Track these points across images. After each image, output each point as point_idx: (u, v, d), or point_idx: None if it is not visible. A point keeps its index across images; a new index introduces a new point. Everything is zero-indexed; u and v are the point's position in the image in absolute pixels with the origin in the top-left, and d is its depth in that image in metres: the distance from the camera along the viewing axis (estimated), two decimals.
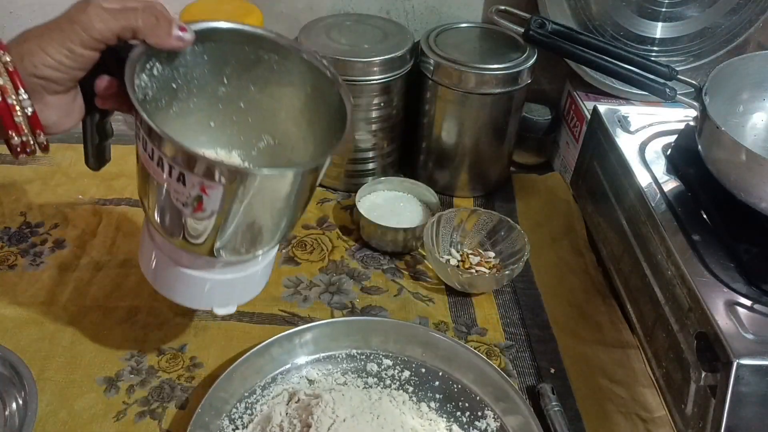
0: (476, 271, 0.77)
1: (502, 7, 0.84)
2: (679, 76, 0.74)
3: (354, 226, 0.85)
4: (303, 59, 0.56)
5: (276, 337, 0.65)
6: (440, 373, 0.67)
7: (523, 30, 0.80)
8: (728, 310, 0.55)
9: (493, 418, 0.63)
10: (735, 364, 0.50)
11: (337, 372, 0.67)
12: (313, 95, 0.57)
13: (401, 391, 0.65)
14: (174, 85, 0.55)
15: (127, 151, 0.97)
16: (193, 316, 0.71)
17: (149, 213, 0.54)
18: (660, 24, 0.88)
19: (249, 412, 0.62)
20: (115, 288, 0.74)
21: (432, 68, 0.83)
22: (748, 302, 0.56)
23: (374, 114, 0.85)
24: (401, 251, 0.82)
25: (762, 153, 0.58)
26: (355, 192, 0.84)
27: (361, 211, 0.81)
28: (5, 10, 0.90)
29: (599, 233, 0.78)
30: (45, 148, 0.51)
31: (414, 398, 0.65)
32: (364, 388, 0.65)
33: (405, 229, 0.79)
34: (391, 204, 0.86)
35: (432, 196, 0.85)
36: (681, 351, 0.58)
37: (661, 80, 0.74)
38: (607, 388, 0.67)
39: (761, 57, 0.71)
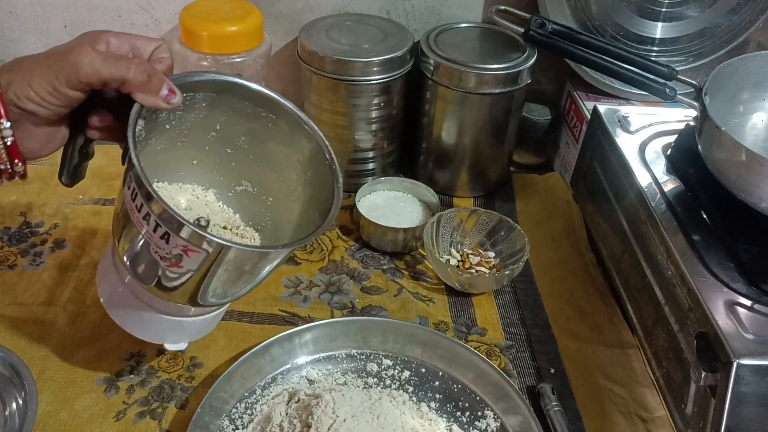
0: (476, 271, 0.77)
1: (502, 7, 0.84)
2: (679, 76, 0.74)
3: (354, 226, 0.85)
4: (304, 129, 0.57)
5: (276, 337, 0.66)
6: (440, 373, 0.67)
7: (523, 30, 0.80)
8: (728, 310, 0.55)
9: (493, 417, 0.63)
10: (735, 364, 0.50)
11: (337, 372, 0.67)
12: (306, 164, 0.59)
13: (401, 391, 0.65)
14: (167, 126, 0.56)
15: None
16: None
17: (120, 252, 0.54)
18: (660, 24, 0.88)
19: (249, 412, 0.62)
20: None
21: (432, 68, 0.83)
22: (748, 302, 0.56)
23: (374, 114, 0.85)
24: (401, 251, 0.82)
25: (762, 153, 0.58)
26: (355, 192, 0.84)
27: (361, 211, 0.81)
28: (5, 10, 0.90)
29: (599, 233, 0.78)
30: (23, 176, 0.51)
31: (414, 398, 0.65)
32: (364, 388, 0.65)
33: (405, 229, 0.79)
34: (391, 204, 0.86)
35: (432, 196, 0.85)
36: (681, 351, 0.58)
37: (661, 80, 0.74)
38: (607, 388, 0.67)
39: (761, 57, 0.71)
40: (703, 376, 0.53)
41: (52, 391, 0.63)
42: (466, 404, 0.65)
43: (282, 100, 0.57)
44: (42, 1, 0.90)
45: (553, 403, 0.63)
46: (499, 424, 0.63)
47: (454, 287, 0.76)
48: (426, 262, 0.81)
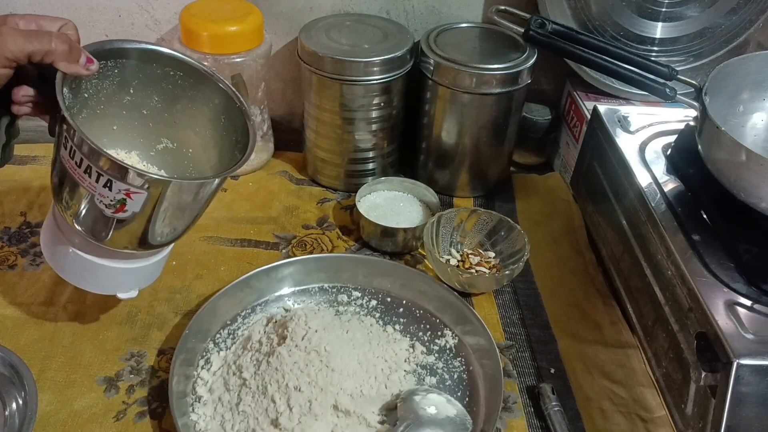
0: (476, 271, 0.77)
1: (502, 7, 0.84)
2: (679, 76, 0.74)
3: (354, 226, 0.85)
4: (211, 81, 0.63)
5: (255, 271, 0.72)
6: (404, 302, 0.75)
7: (523, 30, 0.80)
8: (728, 310, 0.55)
9: (452, 336, 0.71)
10: (735, 364, 0.50)
11: (311, 302, 0.74)
12: (218, 111, 0.64)
13: (369, 317, 0.72)
14: (86, 95, 0.60)
15: None
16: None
17: (64, 210, 0.58)
18: (660, 24, 0.87)
19: (231, 336, 0.69)
20: None
21: (432, 68, 0.83)
22: (748, 302, 0.56)
23: (374, 114, 0.85)
24: (401, 251, 0.82)
25: (762, 153, 0.58)
26: (355, 192, 0.84)
27: (361, 211, 0.81)
28: (5, 10, 0.90)
29: (599, 233, 0.78)
30: None
31: (380, 322, 0.72)
32: (336, 315, 0.72)
33: (405, 229, 0.79)
34: (391, 204, 0.86)
35: (432, 196, 0.85)
36: (681, 351, 0.58)
37: (661, 80, 0.74)
38: (607, 388, 0.67)
39: (761, 57, 0.71)
40: (703, 376, 0.53)
41: (52, 391, 0.63)
42: (428, 326, 0.72)
43: (186, 59, 0.62)
44: (42, 1, 0.90)
45: (553, 403, 0.63)
46: (456, 341, 0.70)
47: (454, 287, 0.76)
48: (426, 262, 0.81)
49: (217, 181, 0.58)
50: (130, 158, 0.66)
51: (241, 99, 0.62)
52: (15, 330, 0.68)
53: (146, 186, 0.53)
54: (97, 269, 0.62)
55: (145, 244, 0.60)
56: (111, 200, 0.54)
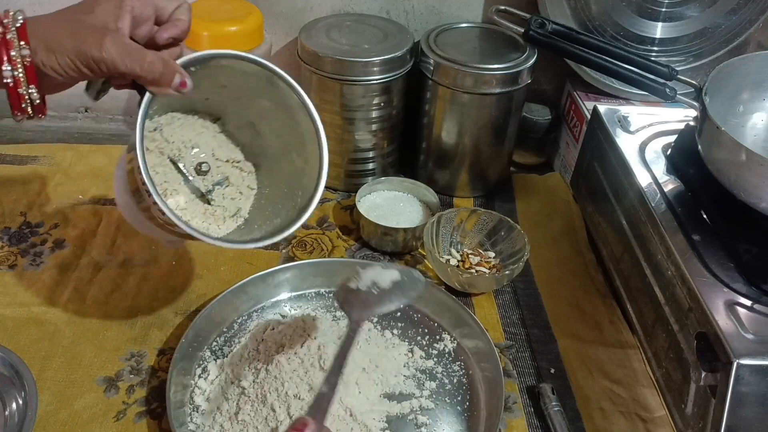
0: (476, 271, 0.77)
1: (502, 7, 0.84)
2: (679, 76, 0.74)
3: (354, 226, 0.85)
4: (284, 88, 0.60)
5: (250, 277, 0.71)
6: (402, 306, 0.70)
7: (523, 30, 0.80)
8: (728, 310, 0.55)
9: (450, 340, 0.70)
10: (735, 364, 0.50)
11: (308, 308, 0.73)
12: (293, 122, 0.62)
13: (366, 322, 0.70)
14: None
15: None
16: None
17: (130, 184, 0.57)
18: (660, 24, 0.88)
19: (228, 344, 0.68)
20: (115, 288, 0.74)
21: (432, 68, 0.83)
22: (748, 302, 0.56)
23: (374, 114, 0.85)
24: (401, 251, 0.82)
25: (762, 153, 0.58)
26: (355, 192, 0.84)
27: (361, 211, 0.81)
28: (5, 8, 0.90)
29: (599, 233, 0.78)
30: (40, 110, 0.53)
31: (378, 327, 0.71)
32: (333, 320, 0.71)
33: (405, 229, 0.79)
34: (391, 204, 0.86)
35: (432, 196, 0.85)
36: (681, 351, 0.58)
37: (661, 80, 0.74)
38: (607, 388, 0.67)
39: (761, 57, 0.71)
40: (703, 376, 0.53)
41: (52, 391, 0.63)
42: (426, 330, 0.72)
43: (270, 66, 0.59)
44: (42, 1, 0.90)
45: (553, 403, 0.63)
46: (455, 345, 0.70)
47: (454, 287, 0.76)
48: (426, 262, 0.81)
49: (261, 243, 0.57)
50: (216, 127, 0.65)
51: (317, 121, 0.62)
52: (15, 330, 0.68)
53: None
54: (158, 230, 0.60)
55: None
56: (165, 221, 0.54)
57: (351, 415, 0.60)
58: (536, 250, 0.80)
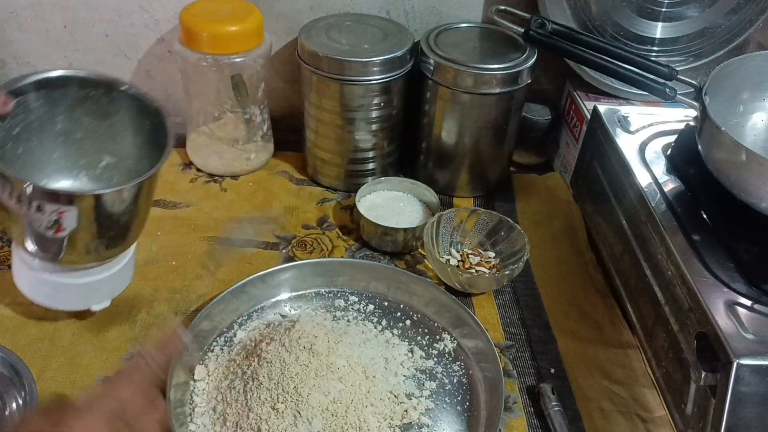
0: (476, 271, 0.77)
1: (502, 7, 0.84)
2: (679, 76, 0.74)
3: (354, 226, 0.85)
4: (125, 92, 0.64)
5: (250, 277, 0.71)
6: (402, 306, 0.74)
7: (523, 30, 0.80)
8: (728, 310, 0.55)
9: (450, 340, 0.70)
10: (735, 364, 0.50)
11: (308, 308, 0.73)
12: (140, 119, 0.65)
13: (367, 321, 0.72)
14: (15, 132, 0.62)
15: None
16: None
17: (17, 241, 0.61)
18: (660, 24, 0.87)
19: (228, 344, 0.68)
20: None
21: (432, 68, 0.83)
22: (748, 302, 0.56)
23: (374, 114, 0.85)
24: (401, 251, 0.82)
25: (762, 153, 0.58)
26: (355, 192, 0.84)
27: (361, 211, 0.81)
28: (5, 10, 0.90)
29: (599, 233, 0.78)
30: None
31: (378, 327, 0.71)
32: (333, 320, 0.72)
33: (405, 229, 0.79)
34: (391, 204, 0.86)
35: (432, 196, 0.85)
36: (681, 351, 0.58)
37: (661, 80, 0.74)
38: (607, 388, 0.67)
39: (761, 57, 0.71)
40: (703, 376, 0.53)
41: (52, 391, 0.63)
42: (426, 330, 0.72)
43: (93, 75, 0.64)
44: (42, 1, 0.90)
45: (553, 403, 0.63)
46: (455, 345, 0.70)
47: (454, 287, 0.76)
48: (426, 262, 0.81)
49: (136, 184, 0.59)
50: (80, 180, 0.69)
51: (153, 100, 0.64)
52: (15, 330, 0.68)
53: (72, 201, 0.56)
54: (62, 288, 0.64)
55: (99, 255, 0.62)
56: (47, 222, 0.56)
57: (351, 415, 0.60)
58: (536, 250, 0.80)
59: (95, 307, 0.67)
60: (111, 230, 0.61)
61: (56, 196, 0.55)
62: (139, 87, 0.64)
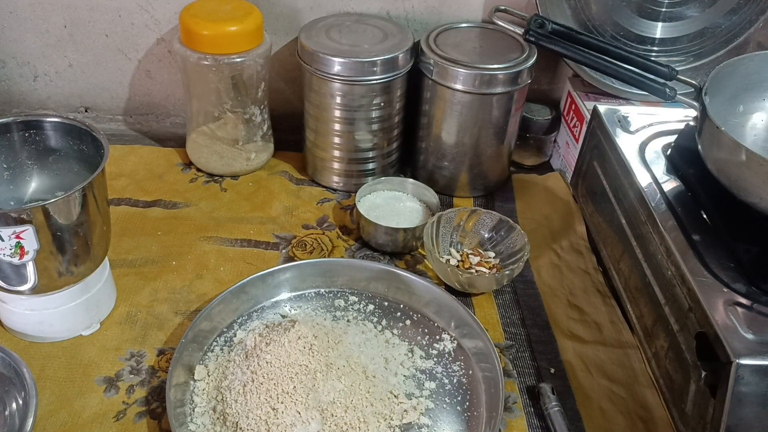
0: (476, 271, 0.77)
1: (502, 7, 0.84)
2: (679, 76, 0.74)
3: (354, 226, 0.85)
4: (50, 122, 0.65)
5: (250, 277, 0.71)
6: (402, 305, 0.74)
7: (523, 30, 0.80)
8: (728, 310, 0.55)
9: (450, 340, 0.70)
10: (735, 364, 0.50)
11: (308, 308, 0.73)
12: (75, 143, 0.66)
13: (367, 321, 0.72)
14: None
15: (127, 151, 0.97)
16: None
17: None
18: (660, 24, 0.88)
19: (228, 344, 0.68)
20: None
21: (432, 68, 0.83)
22: (748, 302, 0.56)
23: (374, 114, 0.85)
24: (401, 251, 0.82)
25: (762, 153, 0.58)
26: (355, 192, 0.84)
27: (361, 211, 0.81)
28: (5, 10, 0.90)
29: (599, 233, 0.78)
30: None
31: (378, 327, 0.71)
32: (333, 320, 0.72)
33: (405, 229, 0.79)
34: (391, 204, 0.86)
35: (432, 196, 0.85)
36: (681, 351, 0.58)
37: (661, 80, 0.74)
38: (607, 388, 0.67)
39: (761, 57, 0.71)
40: (703, 376, 0.53)
41: (52, 391, 0.63)
42: (426, 330, 0.72)
43: (21, 117, 0.65)
44: (42, 1, 0.90)
45: (553, 403, 0.63)
46: (455, 345, 0.70)
47: (454, 287, 0.76)
48: (426, 262, 0.81)
49: (80, 189, 0.59)
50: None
51: (78, 121, 0.65)
52: None
53: (25, 218, 0.56)
54: (51, 319, 0.65)
55: (72, 275, 0.63)
56: (9, 250, 0.57)
57: (350, 414, 0.60)
58: (536, 250, 0.80)
59: (86, 333, 0.68)
60: (72, 244, 0.61)
61: (7, 217, 0.56)
62: (65, 114, 0.65)
